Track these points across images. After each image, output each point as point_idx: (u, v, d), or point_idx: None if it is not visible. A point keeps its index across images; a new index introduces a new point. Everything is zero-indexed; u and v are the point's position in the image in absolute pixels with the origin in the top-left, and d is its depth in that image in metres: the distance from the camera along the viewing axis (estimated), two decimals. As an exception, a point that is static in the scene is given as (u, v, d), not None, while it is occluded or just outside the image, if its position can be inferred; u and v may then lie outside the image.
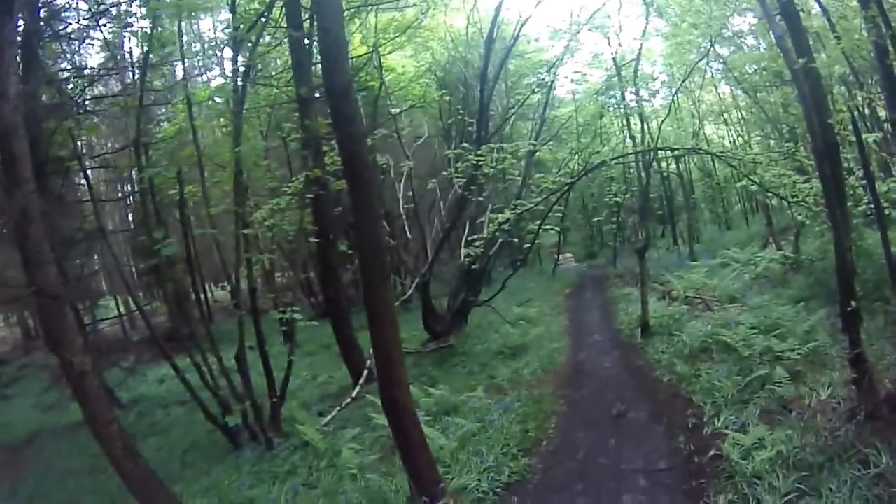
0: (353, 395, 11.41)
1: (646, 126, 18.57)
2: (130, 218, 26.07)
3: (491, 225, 13.54)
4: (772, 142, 20.86)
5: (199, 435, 11.17)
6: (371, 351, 9.45)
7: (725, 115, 28.69)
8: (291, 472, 8.35)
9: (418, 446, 6.66)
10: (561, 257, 32.24)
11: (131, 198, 18.88)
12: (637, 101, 18.17)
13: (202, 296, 11.88)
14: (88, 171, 13.69)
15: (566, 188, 13.81)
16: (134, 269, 18.38)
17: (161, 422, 12.99)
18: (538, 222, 15.14)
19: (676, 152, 20.39)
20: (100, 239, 13.38)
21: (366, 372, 11.93)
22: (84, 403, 7.20)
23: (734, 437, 6.86)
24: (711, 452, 6.94)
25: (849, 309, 6.93)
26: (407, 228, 16.50)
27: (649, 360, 11.58)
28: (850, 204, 9.50)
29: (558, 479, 7.16)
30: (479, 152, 13.14)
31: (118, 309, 23.41)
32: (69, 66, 14.46)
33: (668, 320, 13.42)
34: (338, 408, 10.92)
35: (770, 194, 15.09)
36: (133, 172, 13.66)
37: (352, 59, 14.01)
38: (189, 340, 10.48)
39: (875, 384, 6.70)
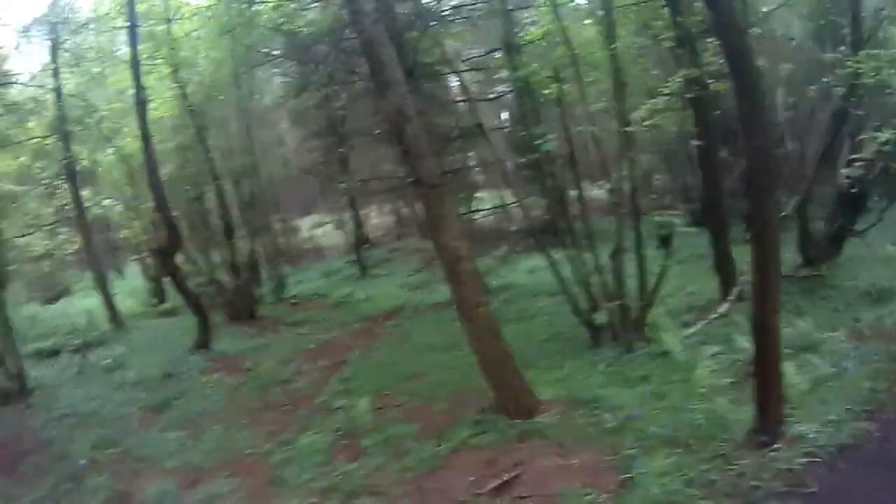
0: (720, 311, 11.21)
1: None
2: (505, 116, 27.82)
3: (872, 144, 12.12)
4: None
5: (560, 328, 11.79)
6: (745, 268, 9.38)
7: None
8: (644, 378, 8.65)
9: (773, 381, 6.60)
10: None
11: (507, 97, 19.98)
12: None
13: (579, 192, 12.43)
14: (461, 74, 14.86)
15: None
16: (511, 164, 20.07)
17: (526, 310, 13.79)
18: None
19: None
20: (478, 135, 14.67)
21: (737, 289, 11.60)
22: (456, 285, 8.24)
23: None
24: None
25: None
26: (785, 139, 14.85)
27: None
28: None
29: (892, 453, 6.45)
30: (856, 59, 11.40)
31: (494, 202, 25.57)
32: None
33: None
34: (703, 322, 10.85)
35: None
36: (505, 73, 14.47)
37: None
38: (564, 235, 11.09)
39: None
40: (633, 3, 13.65)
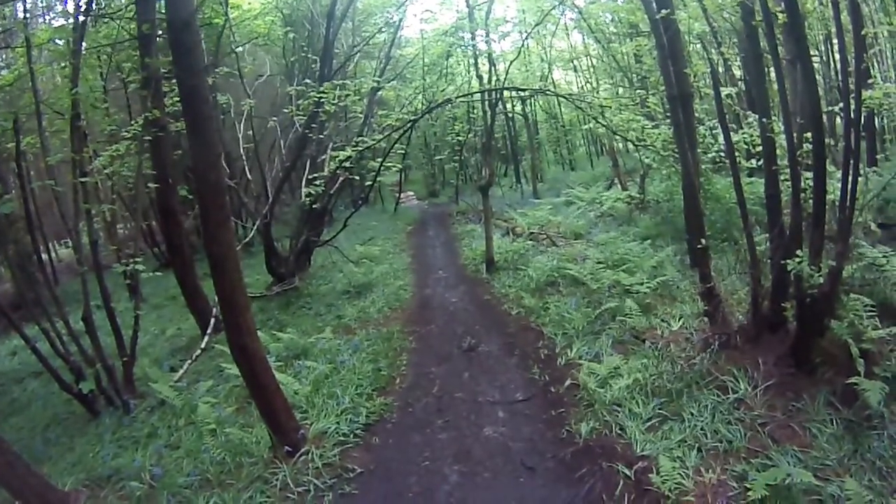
0: (203, 346, 11.13)
1: (494, 68, 18.71)
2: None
3: (332, 163, 13.58)
4: (620, 89, 21.59)
5: (57, 408, 10.44)
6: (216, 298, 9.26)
7: (575, 61, 29.51)
8: (152, 434, 8.00)
9: (273, 394, 6.57)
10: (402, 196, 32.66)
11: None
12: (486, 43, 18.20)
13: (45, 255, 10.74)
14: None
15: (409, 126, 14.12)
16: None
17: (19, 398, 12.02)
18: (380, 160, 15.14)
19: (524, 93, 20.82)
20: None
21: (213, 321, 11.64)
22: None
23: (589, 367, 7.15)
24: (568, 382, 7.19)
25: (699, 245, 7.38)
26: (247, 170, 15.92)
27: (496, 293, 11.96)
28: (699, 150, 10.08)
29: (417, 415, 7.24)
30: (321, 89, 12.93)
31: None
32: None
33: (514, 255, 13.91)
34: (189, 361, 10.59)
35: (617, 137, 15.61)
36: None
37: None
38: (35, 306, 9.76)
39: (727, 316, 7.18)
40: (107, 44, 12.94)
